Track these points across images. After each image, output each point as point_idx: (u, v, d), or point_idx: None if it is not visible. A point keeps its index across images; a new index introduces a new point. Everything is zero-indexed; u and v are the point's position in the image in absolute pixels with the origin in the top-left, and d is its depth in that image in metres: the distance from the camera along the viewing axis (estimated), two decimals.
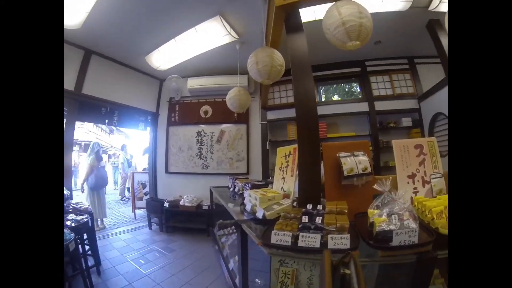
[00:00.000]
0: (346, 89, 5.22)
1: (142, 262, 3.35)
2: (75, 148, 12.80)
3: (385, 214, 1.21)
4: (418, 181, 1.66)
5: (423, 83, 4.43)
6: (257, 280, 1.93)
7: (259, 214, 1.63)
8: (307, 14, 2.90)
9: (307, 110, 1.77)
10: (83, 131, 16.70)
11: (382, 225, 1.15)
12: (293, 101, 4.52)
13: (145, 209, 5.25)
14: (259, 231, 1.49)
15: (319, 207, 1.47)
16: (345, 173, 1.63)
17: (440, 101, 3.75)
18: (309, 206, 1.47)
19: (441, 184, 1.57)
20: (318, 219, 1.31)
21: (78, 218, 2.72)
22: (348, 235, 1.16)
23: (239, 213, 1.96)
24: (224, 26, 3.25)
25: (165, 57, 4.10)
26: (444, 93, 3.64)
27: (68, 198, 3.20)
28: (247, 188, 2.44)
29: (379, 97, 4.59)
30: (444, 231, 1.14)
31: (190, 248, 3.85)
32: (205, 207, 4.39)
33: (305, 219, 1.32)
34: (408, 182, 1.65)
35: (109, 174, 11.21)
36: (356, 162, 1.69)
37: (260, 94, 4.71)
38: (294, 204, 1.77)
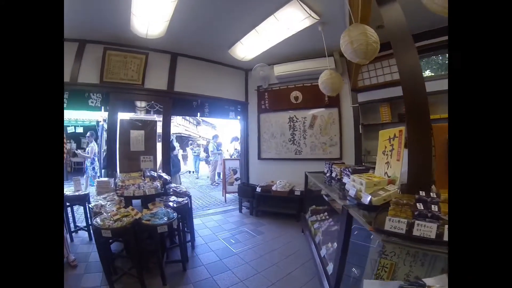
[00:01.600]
0: (440, 62, 4.33)
1: (233, 241, 3.62)
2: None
3: None
4: None
5: None
6: (354, 270, 1.89)
7: (365, 200, 1.60)
8: None
9: (414, 87, 1.61)
10: (173, 125, 18.92)
11: None
12: (384, 81, 4.23)
13: (234, 194, 5.63)
14: (366, 217, 1.47)
15: (433, 194, 1.35)
16: None
17: None
18: (422, 193, 1.36)
19: None
20: (434, 207, 1.21)
21: (179, 199, 3.12)
22: None
23: (341, 199, 1.96)
24: (303, 8, 3.13)
25: (249, 47, 4.26)
26: None
27: (169, 183, 3.67)
28: (347, 173, 2.39)
29: None
30: None
31: (279, 232, 3.98)
32: (297, 193, 4.45)
33: (420, 206, 1.24)
34: None
35: (190, 161, 12.62)
36: None
37: (349, 75, 4.46)
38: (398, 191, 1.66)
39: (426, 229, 1.12)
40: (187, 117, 21.89)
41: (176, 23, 3.43)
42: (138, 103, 4.42)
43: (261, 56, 4.54)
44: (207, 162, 11.06)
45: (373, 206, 1.55)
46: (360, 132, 4.45)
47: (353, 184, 1.88)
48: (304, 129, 4.98)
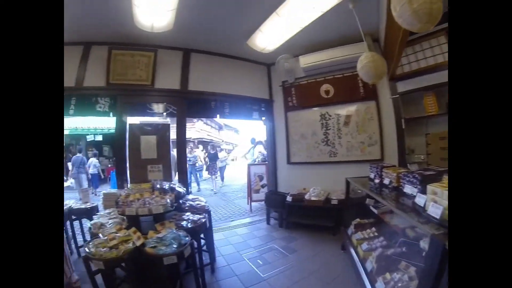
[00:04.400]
0: None
1: (260, 262, 3.05)
2: (191, 145, 13.18)
3: None
4: None
5: None
6: None
7: None
8: None
9: None
10: (195, 130, 18.55)
11: None
12: (426, 65, 3.52)
13: (261, 202, 5.09)
14: None
15: None
16: None
17: None
18: None
19: None
20: None
21: (195, 217, 2.56)
22: None
23: (412, 217, 1.37)
24: None
25: (269, 36, 3.69)
26: None
27: (183, 196, 3.05)
28: (412, 180, 1.78)
29: None
30: None
31: (314, 249, 3.36)
32: (334, 202, 3.80)
33: None
34: None
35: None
36: None
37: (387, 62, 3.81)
38: None
39: None
40: (209, 122, 21.70)
41: (184, 13, 2.99)
42: (149, 106, 3.99)
43: (284, 46, 3.95)
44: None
45: None
46: (403, 127, 3.78)
47: (433, 198, 1.29)
48: (338, 127, 4.33)
